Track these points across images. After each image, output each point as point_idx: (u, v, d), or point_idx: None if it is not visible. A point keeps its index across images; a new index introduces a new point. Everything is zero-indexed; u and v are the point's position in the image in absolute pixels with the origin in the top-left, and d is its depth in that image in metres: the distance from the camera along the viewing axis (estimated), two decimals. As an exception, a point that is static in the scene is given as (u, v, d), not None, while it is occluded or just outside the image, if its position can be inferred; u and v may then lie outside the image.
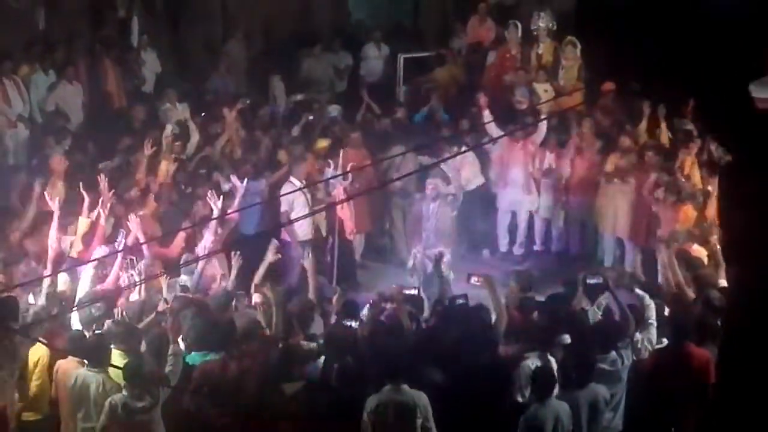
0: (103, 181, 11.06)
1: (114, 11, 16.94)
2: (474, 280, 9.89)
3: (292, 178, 12.78)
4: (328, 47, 17.56)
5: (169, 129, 13.44)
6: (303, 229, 12.50)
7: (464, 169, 13.82)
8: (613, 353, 8.60)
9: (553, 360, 8.57)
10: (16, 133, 14.54)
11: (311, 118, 14.77)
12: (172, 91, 15.43)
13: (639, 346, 8.86)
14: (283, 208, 12.59)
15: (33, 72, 15.14)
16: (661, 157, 12.65)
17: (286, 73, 16.78)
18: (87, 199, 10.74)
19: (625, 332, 8.77)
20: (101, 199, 10.73)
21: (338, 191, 12.62)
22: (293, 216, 12.40)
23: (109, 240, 10.65)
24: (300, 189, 12.36)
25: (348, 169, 12.85)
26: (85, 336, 8.86)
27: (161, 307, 9.16)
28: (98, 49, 16.08)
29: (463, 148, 13.62)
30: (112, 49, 16.14)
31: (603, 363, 8.56)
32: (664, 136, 13.17)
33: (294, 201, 12.48)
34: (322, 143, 13.65)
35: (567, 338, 8.84)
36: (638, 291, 9.26)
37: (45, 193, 11.06)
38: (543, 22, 15.90)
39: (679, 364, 8.48)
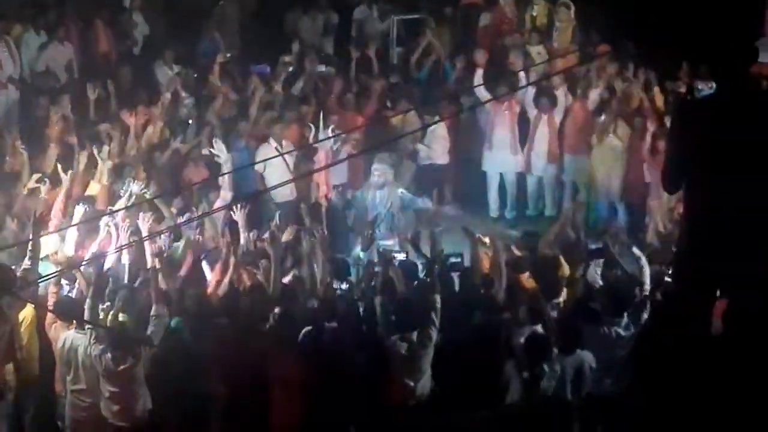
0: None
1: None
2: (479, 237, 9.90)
3: (270, 140, 12.74)
4: (319, 7, 17.36)
5: (168, 96, 13.43)
6: (281, 191, 12.35)
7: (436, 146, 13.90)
8: (626, 317, 8.57)
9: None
10: (6, 94, 14.47)
11: (291, 69, 14.66)
12: (170, 52, 15.34)
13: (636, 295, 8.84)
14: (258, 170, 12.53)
15: (24, 32, 15.07)
16: (653, 120, 12.62)
17: (276, 33, 16.69)
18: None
19: (633, 294, 8.75)
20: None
21: (320, 155, 12.54)
22: (268, 177, 12.42)
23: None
24: (281, 154, 12.25)
25: (337, 131, 12.78)
26: (72, 299, 8.87)
27: (149, 264, 9.13)
28: (90, 9, 15.98)
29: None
30: (103, 9, 16.03)
31: (618, 327, 8.54)
32: (659, 98, 13.11)
33: (269, 163, 12.37)
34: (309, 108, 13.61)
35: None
36: (635, 251, 9.25)
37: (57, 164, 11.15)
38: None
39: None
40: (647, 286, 8.85)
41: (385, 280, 8.86)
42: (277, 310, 8.69)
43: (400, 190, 11.78)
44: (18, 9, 15.27)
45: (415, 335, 8.36)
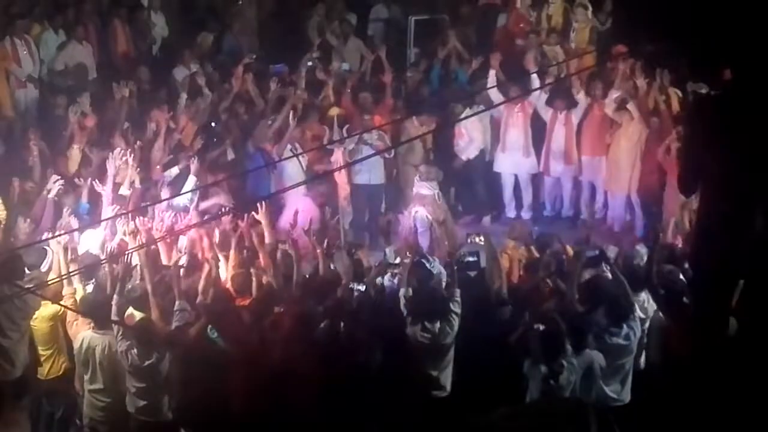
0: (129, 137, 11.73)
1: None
2: (473, 239, 9.91)
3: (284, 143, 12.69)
4: (334, 7, 17.39)
5: (184, 97, 13.51)
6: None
7: (476, 133, 13.85)
8: (625, 327, 8.56)
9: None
10: (25, 93, 14.56)
11: (309, 63, 14.69)
12: (189, 52, 15.38)
13: (645, 305, 8.85)
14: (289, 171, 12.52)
15: (43, 31, 15.16)
16: (670, 122, 12.62)
17: (294, 34, 16.72)
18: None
19: (631, 303, 8.74)
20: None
21: (337, 156, 12.55)
22: (286, 179, 12.40)
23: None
24: (295, 155, 12.31)
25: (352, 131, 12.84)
26: (95, 297, 8.91)
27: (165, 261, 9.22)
28: (108, 8, 16.07)
29: (470, 112, 13.46)
30: (120, 8, 16.10)
31: (618, 338, 8.51)
32: (674, 100, 13.08)
33: (286, 165, 12.44)
34: (334, 111, 13.62)
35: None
36: (638, 247, 9.26)
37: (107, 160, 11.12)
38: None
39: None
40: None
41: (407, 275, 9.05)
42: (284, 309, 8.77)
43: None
44: (37, 8, 15.34)
45: (437, 326, 8.56)
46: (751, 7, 6.00)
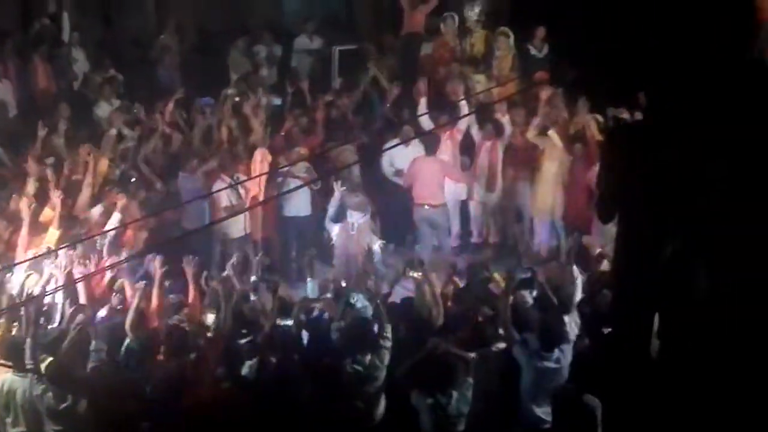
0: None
1: (44, 6, 16.76)
2: (412, 273, 9.90)
3: (222, 175, 12.65)
4: (256, 39, 17.36)
5: (113, 131, 13.36)
6: (237, 227, 12.42)
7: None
8: (556, 350, 8.58)
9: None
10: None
11: (237, 99, 14.60)
12: (109, 87, 15.25)
13: (567, 329, 8.85)
14: (224, 203, 12.47)
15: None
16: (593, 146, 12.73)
17: (218, 66, 16.68)
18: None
19: (563, 327, 8.77)
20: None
21: (253, 190, 12.53)
22: (225, 214, 12.33)
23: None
24: (230, 186, 12.26)
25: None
26: (12, 340, 8.78)
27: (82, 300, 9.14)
28: (27, 45, 15.89)
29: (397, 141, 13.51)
30: (41, 45, 15.93)
31: (548, 362, 8.53)
32: (598, 125, 13.18)
33: (224, 198, 12.37)
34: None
35: (502, 345, 8.85)
36: (575, 269, 9.35)
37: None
38: (473, 11, 15.98)
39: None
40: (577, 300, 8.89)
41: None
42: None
43: None
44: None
45: (368, 358, 8.53)
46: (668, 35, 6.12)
